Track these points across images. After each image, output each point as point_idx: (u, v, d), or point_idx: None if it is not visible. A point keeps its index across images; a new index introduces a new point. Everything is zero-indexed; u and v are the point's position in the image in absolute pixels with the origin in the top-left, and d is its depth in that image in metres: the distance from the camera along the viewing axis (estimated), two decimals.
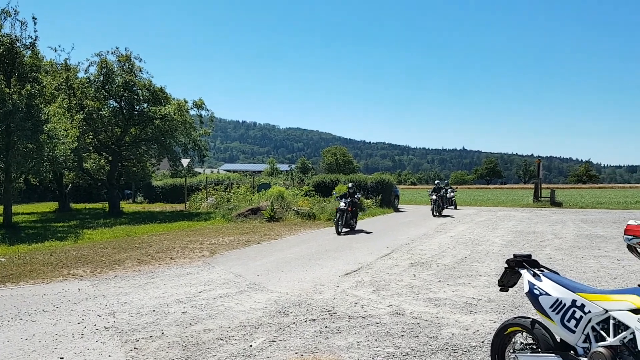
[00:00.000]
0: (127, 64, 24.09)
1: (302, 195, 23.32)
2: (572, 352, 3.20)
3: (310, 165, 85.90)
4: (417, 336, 5.20)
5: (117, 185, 28.05)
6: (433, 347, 4.85)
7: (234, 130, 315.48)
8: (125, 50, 24.23)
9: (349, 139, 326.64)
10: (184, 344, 5.03)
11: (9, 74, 17.29)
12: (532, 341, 3.52)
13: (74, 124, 20.05)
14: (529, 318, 3.60)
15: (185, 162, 27.34)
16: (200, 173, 48.04)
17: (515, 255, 3.75)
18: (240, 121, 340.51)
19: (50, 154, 17.46)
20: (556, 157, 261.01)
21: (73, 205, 30.85)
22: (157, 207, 30.57)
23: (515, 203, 30.59)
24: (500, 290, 3.92)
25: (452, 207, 26.65)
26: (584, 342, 3.11)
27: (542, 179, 31.42)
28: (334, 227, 15.32)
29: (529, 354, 3.45)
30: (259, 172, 71.07)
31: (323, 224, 17.77)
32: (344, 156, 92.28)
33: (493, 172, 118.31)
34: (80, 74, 23.65)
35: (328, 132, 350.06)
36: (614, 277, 8.08)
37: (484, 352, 4.68)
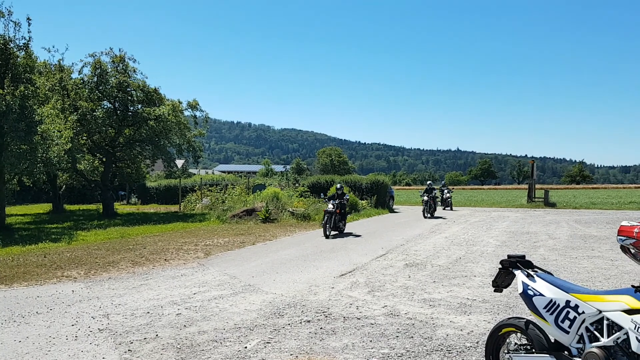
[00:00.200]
0: (121, 65, 23.98)
1: (297, 196, 23.30)
2: (566, 352, 3.22)
3: (305, 166, 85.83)
4: (412, 337, 5.21)
5: (111, 186, 27.90)
6: (428, 348, 4.86)
7: (228, 131, 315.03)
8: (119, 51, 24.11)
9: (344, 139, 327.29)
10: (178, 346, 5.01)
11: (2, 75, 17.20)
12: (526, 342, 3.53)
13: (68, 125, 19.96)
14: (523, 319, 3.61)
15: (179, 163, 27.31)
16: (194, 174, 47.94)
17: (509, 256, 3.76)
18: (235, 122, 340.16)
19: (44, 155, 17.37)
20: (550, 157, 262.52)
21: (67, 207, 30.71)
22: (151, 209, 30.47)
23: (510, 203, 30.69)
24: (495, 290, 3.93)
25: (448, 208, 26.60)
26: (578, 342, 3.12)
27: (536, 180, 31.55)
28: None
29: (523, 354, 3.46)
30: (254, 173, 70.99)
31: (318, 225, 17.75)
32: (339, 157, 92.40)
33: (487, 173, 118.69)
34: (74, 75, 23.51)
35: (323, 132, 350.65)
36: (607, 278, 8.12)
37: (478, 353, 4.69)
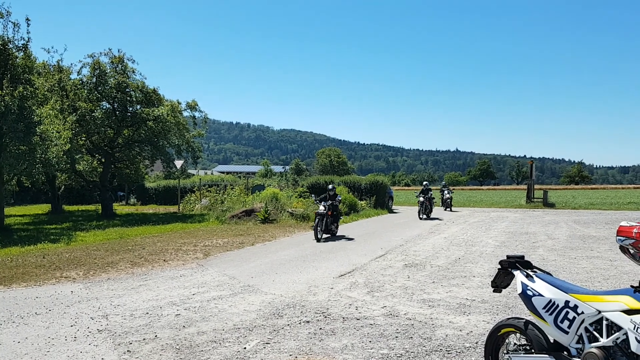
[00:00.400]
0: (120, 66, 23.98)
1: (296, 197, 23.29)
2: (565, 352, 3.22)
3: (304, 166, 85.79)
4: (411, 337, 5.21)
5: (110, 187, 27.92)
6: (427, 348, 4.86)
7: (227, 132, 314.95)
8: (118, 51, 24.12)
9: (343, 140, 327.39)
10: (177, 347, 5.01)
11: (1, 76, 17.18)
12: (525, 342, 3.53)
13: (67, 126, 19.95)
14: (523, 319, 3.61)
15: (178, 163, 27.26)
16: (193, 174, 47.99)
17: (508, 257, 3.76)
18: (234, 122, 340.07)
19: (43, 155, 17.36)
20: (549, 158, 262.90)
21: (66, 207, 30.71)
22: (150, 209, 30.45)
23: (509, 204, 30.71)
24: (494, 291, 3.93)
25: (448, 209, 26.41)
26: (577, 342, 3.12)
27: (535, 180, 31.56)
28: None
29: (522, 354, 3.46)
30: (253, 173, 70.97)
31: None
32: (338, 157, 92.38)
33: (486, 173, 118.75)
34: (73, 76, 23.52)
35: (322, 133, 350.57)
36: (606, 278, 8.13)
37: (477, 353, 4.69)
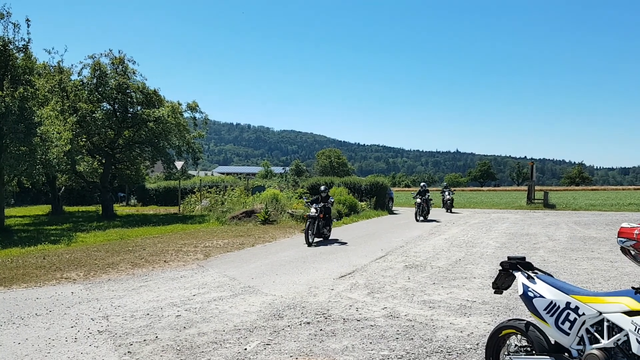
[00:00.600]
0: (120, 67, 24.00)
1: (296, 198, 23.29)
2: (566, 354, 3.22)
3: (304, 167, 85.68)
4: (412, 339, 5.20)
5: (111, 188, 27.92)
6: (428, 350, 4.86)
7: (227, 133, 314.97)
8: (119, 52, 24.14)
9: (343, 141, 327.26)
10: (178, 348, 5.01)
11: (1, 77, 17.20)
12: (526, 343, 3.53)
13: (67, 127, 19.95)
14: (524, 320, 3.61)
15: (179, 164, 27.28)
16: (194, 176, 47.97)
17: (509, 258, 3.76)
18: (234, 123, 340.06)
19: (43, 156, 17.37)
20: (549, 159, 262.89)
21: (66, 208, 30.71)
22: (150, 210, 30.47)
23: (509, 205, 30.70)
24: (495, 292, 3.93)
25: (449, 210, 26.27)
26: (578, 344, 3.12)
27: (535, 181, 31.57)
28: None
29: (523, 356, 3.46)
30: (253, 174, 71.05)
31: None
32: (338, 158, 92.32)
33: (487, 174, 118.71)
34: (74, 77, 23.56)
35: (322, 134, 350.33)
36: (607, 279, 8.12)
37: (478, 355, 4.69)
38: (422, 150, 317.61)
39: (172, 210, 29.20)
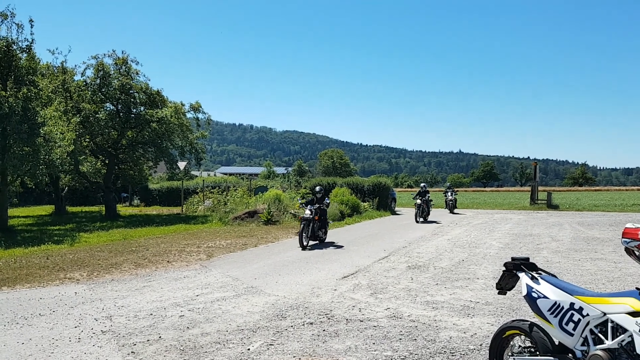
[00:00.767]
0: (123, 67, 24.04)
1: (299, 198, 23.25)
2: (570, 355, 3.21)
3: (307, 168, 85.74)
4: (415, 339, 5.20)
5: (114, 188, 27.97)
6: (431, 351, 4.85)
7: (230, 133, 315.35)
8: (122, 53, 24.18)
9: (346, 141, 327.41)
10: (181, 348, 5.01)
11: (5, 77, 17.23)
12: (530, 344, 3.52)
13: (71, 127, 20.01)
14: (527, 321, 3.60)
15: (182, 165, 27.33)
16: (197, 176, 48.01)
17: (513, 259, 3.75)
18: (237, 124, 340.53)
19: (47, 157, 17.41)
20: (552, 159, 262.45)
21: (69, 209, 30.77)
22: (153, 210, 30.50)
23: (512, 206, 30.64)
24: (499, 293, 3.93)
25: (451, 211, 26.18)
26: (582, 345, 3.11)
27: (539, 182, 31.52)
28: (330, 230, 14.89)
29: (527, 357, 3.45)
30: (256, 175, 71.14)
31: None
32: (340, 159, 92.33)
33: (490, 175, 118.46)
34: (77, 77, 23.61)
35: (325, 135, 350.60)
36: (611, 280, 8.10)
37: (482, 356, 4.68)
38: (425, 151, 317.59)
39: (175, 210, 29.24)
